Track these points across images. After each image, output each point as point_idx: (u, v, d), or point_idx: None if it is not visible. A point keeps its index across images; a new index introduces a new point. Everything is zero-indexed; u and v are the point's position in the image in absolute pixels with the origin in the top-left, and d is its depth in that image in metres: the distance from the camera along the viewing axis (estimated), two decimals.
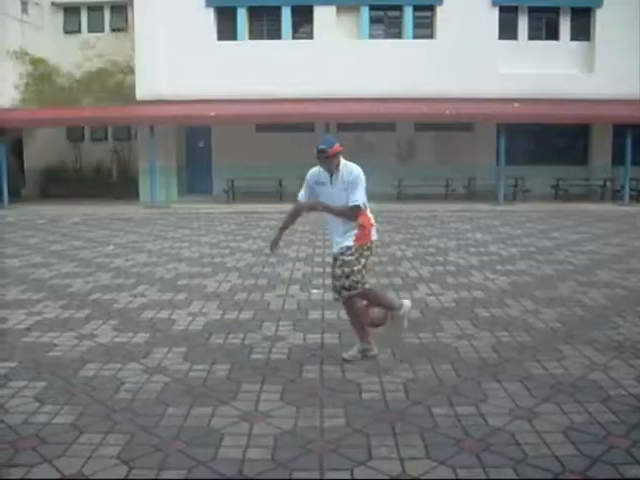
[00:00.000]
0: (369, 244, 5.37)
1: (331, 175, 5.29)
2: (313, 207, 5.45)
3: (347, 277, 5.22)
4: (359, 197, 5.23)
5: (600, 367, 5.23)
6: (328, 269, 8.89)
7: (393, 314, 5.57)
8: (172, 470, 3.58)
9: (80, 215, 17.74)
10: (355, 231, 5.27)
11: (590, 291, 8.03)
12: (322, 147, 5.17)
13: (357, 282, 5.23)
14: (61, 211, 18.51)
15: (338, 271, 5.27)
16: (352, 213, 5.25)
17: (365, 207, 5.35)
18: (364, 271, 5.31)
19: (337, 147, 5.19)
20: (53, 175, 23.11)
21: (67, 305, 7.45)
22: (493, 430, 4.06)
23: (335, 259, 5.35)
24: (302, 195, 5.56)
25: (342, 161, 5.30)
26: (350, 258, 5.23)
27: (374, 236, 5.43)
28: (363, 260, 5.29)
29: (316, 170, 5.40)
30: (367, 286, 5.35)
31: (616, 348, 5.74)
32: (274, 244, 5.74)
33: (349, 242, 5.26)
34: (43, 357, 5.55)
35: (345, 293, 5.27)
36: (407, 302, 5.72)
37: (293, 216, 5.73)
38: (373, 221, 5.44)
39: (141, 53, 20.60)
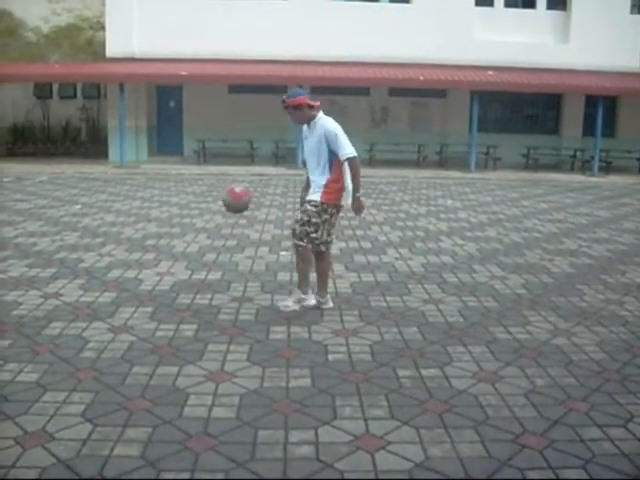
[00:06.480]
0: (333, 206, 5.54)
1: (309, 128, 5.54)
2: (360, 209, 5.56)
3: (302, 225, 5.48)
4: (348, 149, 5.38)
5: (563, 333, 5.32)
6: None
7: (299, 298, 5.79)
8: (136, 428, 3.57)
9: (47, 174, 17.42)
10: (323, 189, 5.48)
11: (556, 259, 8.14)
12: (283, 97, 5.45)
13: (306, 233, 5.49)
14: (28, 169, 18.16)
15: (298, 216, 5.66)
16: (353, 165, 5.42)
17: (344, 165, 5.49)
18: (318, 229, 5.51)
19: (300, 99, 5.38)
20: (20, 133, 22.57)
21: (33, 264, 7.34)
22: (457, 392, 4.12)
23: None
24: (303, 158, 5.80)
25: (319, 115, 5.48)
26: (312, 209, 5.48)
27: (342, 201, 5.57)
28: (325, 217, 5.50)
29: (305, 126, 5.60)
30: (304, 244, 5.54)
31: (579, 315, 5.84)
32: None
33: (317, 197, 5.49)
34: (7, 316, 5.48)
35: (294, 240, 5.64)
36: (309, 301, 5.78)
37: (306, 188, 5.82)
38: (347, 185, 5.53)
39: (112, 9, 19.96)
